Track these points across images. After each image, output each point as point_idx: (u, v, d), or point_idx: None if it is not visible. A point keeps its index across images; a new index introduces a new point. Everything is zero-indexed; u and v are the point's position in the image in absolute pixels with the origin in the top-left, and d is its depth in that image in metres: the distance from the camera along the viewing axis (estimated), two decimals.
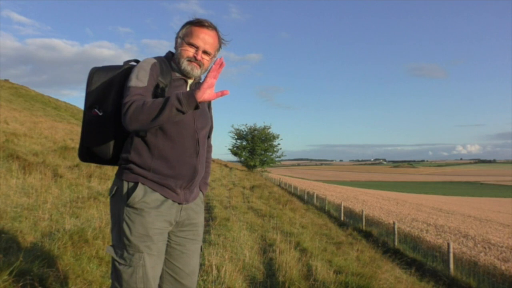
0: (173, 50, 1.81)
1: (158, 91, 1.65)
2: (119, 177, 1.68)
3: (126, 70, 1.71)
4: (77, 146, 1.78)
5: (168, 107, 1.46)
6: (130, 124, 1.50)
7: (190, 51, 1.70)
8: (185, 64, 1.70)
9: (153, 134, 1.65)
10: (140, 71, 1.62)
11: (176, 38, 1.76)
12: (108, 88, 1.69)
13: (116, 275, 1.62)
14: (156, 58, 1.72)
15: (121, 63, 1.76)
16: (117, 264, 1.61)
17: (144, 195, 1.61)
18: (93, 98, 1.68)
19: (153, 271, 1.64)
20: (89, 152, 1.75)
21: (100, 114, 1.67)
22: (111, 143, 1.73)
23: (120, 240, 1.62)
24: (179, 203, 1.71)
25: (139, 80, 1.60)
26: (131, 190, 1.61)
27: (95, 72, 1.71)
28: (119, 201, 1.64)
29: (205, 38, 1.71)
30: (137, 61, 1.76)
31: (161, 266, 1.71)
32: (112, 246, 1.65)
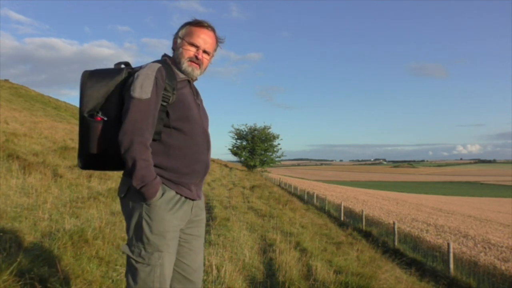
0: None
1: (167, 94, 1.65)
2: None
3: (126, 74, 1.69)
4: (77, 146, 1.75)
5: (138, 180, 1.55)
6: (121, 145, 1.56)
7: (191, 51, 1.75)
8: (185, 65, 1.75)
9: (167, 134, 1.67)
10: (145, 80, 1.61)
11: (175, 38, 1.80)
12: (108, 93, 1.66)
13: (132, 273, 1.63)
14: (158, 62, 1.73)
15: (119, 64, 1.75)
16: (133, 262, 1.62)
17: (162, 194, 1.63)
18: (93, 103, 1.65)
19: (170, 269, 1.68)
20: (92, 159, 1.70)
21: (105, 119, 1.64)
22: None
23: (138, 238, 1.63)
24: (192, 200, 1.75)
25: (143, 91, 1.59)
26: None
27: (88, 76, 1.67)
28: (135, 200, 1.63)
29: (205, 38, 1.78)
30: (127, 64, 1.76)
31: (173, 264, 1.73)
32: (128, 244, 1.66)
